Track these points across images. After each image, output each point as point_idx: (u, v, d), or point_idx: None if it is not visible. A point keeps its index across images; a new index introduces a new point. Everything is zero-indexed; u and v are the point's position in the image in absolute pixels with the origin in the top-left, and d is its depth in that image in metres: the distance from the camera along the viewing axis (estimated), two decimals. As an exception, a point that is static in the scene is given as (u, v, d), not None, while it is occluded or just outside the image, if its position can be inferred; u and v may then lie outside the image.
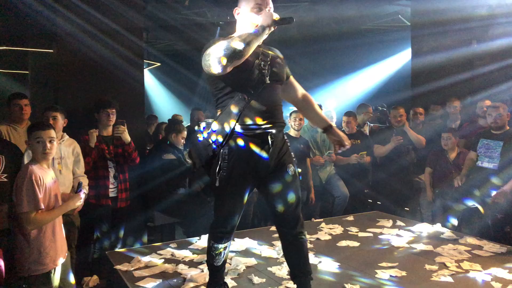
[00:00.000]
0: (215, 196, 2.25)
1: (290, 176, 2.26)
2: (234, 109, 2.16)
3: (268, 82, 2.22)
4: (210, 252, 2.30)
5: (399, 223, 3.98)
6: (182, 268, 2.93)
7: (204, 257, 3.04)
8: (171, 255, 3.20)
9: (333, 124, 2.47)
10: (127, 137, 3.85)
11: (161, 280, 2.73)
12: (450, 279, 2.68)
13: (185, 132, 4.25)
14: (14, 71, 6.78)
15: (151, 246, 3.43)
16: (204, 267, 2.86)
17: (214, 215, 2.28)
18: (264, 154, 2.20)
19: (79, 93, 4.36)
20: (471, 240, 3.42)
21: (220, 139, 2.17)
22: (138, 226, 4.22)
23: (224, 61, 1.99)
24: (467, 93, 5.78)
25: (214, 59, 2.01)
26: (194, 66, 11.15)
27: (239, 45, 1.99)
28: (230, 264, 2.93)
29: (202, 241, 3.46)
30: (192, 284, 2.64)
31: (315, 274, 2.76)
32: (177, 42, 9.85)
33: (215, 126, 2.19)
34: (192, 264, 3.02)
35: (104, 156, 3.80)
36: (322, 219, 4.16)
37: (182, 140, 4.19)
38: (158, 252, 3.25)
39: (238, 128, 2.17)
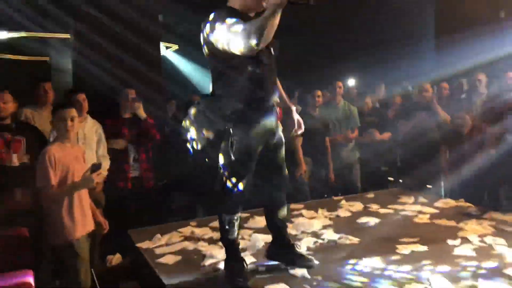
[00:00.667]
0: (228, 167, 2.25)
1: (283, 144, 2.47)
2: (246, 83, 2.16)
3: (273, 53, 2.27)
4: (224, 226, 2.35)
5: (421, 199, 3.91)
6: (202, 245, 2.96)
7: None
8: (191, 232, 3.24)
9: (294, 107, 2.62)
10: (142, 113, 3.91)
11: (181, 257, 2.77)
12: (473, 253, 2.62)
13: None
14: (35, 58, 6.91)
15: (172, 225, 3.47)
16: (223, 243, 2.88)
17: (224, 187, 2.29)
18: (272, 126, 2.34)
19: (98, 78, 4.41)
20: (496, 215, 3.33)
21: (232, 114, 2.18)
22: (159, 205, 4.28)
23: (259, 41, 1.89)
24: (492, 66, 5.57)
25: (249, 37, 1.89)
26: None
27: (269, 26, 1.89)
28: (249, 241, 2.95)
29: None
30: (211, 261, 2.67)
31: (334, 250, 2.77)
32: (194, 24, 9.78)
33: (224, 101, 2.18)
34: (211, 241, 3.04)
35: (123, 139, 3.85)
36: (342, 197, 4.12)
37: None
38: (179, 230, 3.29)
39: (250, 102, 2.20)
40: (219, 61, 2.18)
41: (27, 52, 6.82)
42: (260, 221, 3.38)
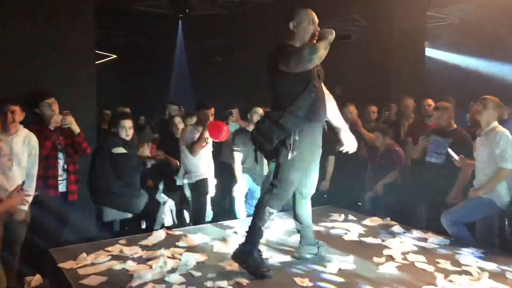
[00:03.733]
0: (283, 169, 2.70)
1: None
2: (304, 103, 2.66)
3: (319, 79, 2.81)
4: (263, 217, 2.69)
5: (350, 217, 4.04)
6: (130, 265, 2.83)
7: (153, 253, 3.00)
8: (120, 251, 3.10)
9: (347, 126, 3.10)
10: (76, 128, 3.67)
11: (106, 278, 2.63)
12: (396, 271, 2.76)
13: (129, 124, 4.04)
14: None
15: (99, 243, 3.30)
16: (153, 263, 2.79)
17: (276, 184, 2.71)
18: (320, 138, 2.84)
19: (21, 85, 4.12)
20: (417, 232, 3.53)
21: (293, 127, 2.64)
22: (86, 221, 4.07)
23: (316, 59, 2.56)
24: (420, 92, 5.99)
25: (309, 57, 2.54)
26: (151, 58, 10.86)
27: (324, 50, 2.56)
28: (180, 260, 2.88)
29: (152, 237, 3.38)
30: (139, 281, 2.56)
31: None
32: (134, 34, 9.61)
33: (286, 116, 2.63)
34: (140, 260, 2.93)
35: (56, 147, 3.63)
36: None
37: (125, 133, 3.98)
38: (106, 249, 3.13)
39: (306, 118, 2.68)
40: (284, 86, 2.69)
41: None
42: (194, 239, 3.33)
